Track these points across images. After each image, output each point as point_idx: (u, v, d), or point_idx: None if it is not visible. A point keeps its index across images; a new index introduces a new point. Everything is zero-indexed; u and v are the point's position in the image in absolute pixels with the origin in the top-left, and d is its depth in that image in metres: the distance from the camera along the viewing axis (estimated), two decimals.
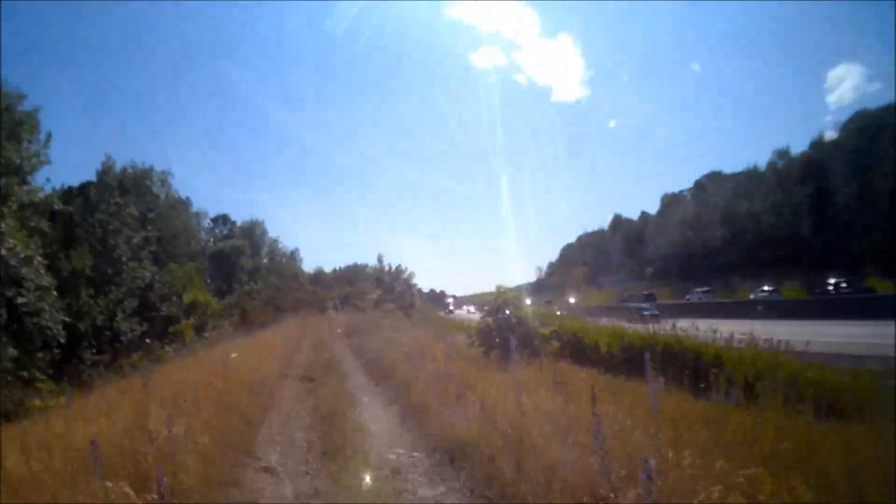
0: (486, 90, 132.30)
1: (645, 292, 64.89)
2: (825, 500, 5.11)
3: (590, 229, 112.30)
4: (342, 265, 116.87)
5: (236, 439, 9.38)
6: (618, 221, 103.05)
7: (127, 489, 5.66)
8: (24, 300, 31.30)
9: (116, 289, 42.06)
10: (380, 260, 62.73)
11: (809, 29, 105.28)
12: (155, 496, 5.21)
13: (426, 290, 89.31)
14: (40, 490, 6.30)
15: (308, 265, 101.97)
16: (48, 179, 40.61)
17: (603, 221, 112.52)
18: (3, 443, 8.57)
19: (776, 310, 40.26)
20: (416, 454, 9.33)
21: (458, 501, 7.34)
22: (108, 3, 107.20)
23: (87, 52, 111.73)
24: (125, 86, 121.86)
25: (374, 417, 12.09)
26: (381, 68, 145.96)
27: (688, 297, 60.70)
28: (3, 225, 31.16)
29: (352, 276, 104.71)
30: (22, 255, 31.26)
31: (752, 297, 53.83)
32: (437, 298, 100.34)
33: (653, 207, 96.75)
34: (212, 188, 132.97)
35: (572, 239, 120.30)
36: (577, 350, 18.74)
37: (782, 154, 71.50)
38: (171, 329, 37.90)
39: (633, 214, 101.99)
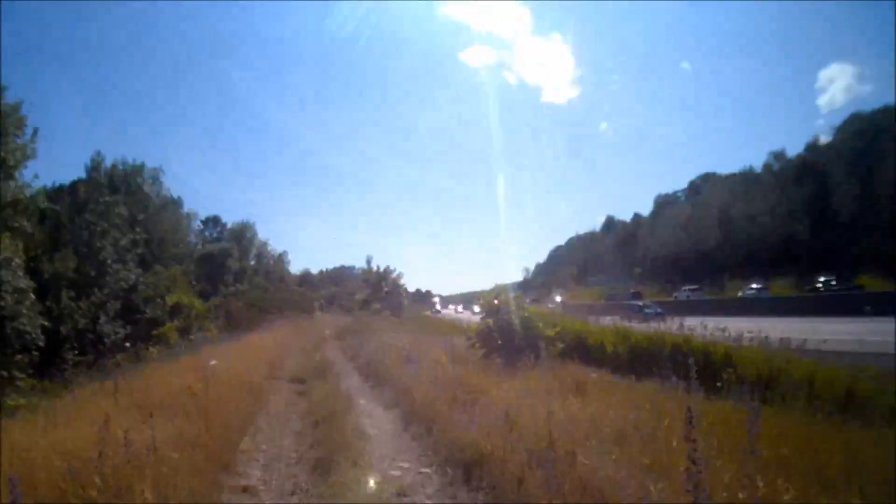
0: (477, 89, 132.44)
1: (631, 290, 65.04)
2: None
3: (581, 232, 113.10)
4: (329, 267, 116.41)
5: (214, 451, 7.91)
6: (610, 223, 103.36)
7: None
8: (2, 303, 29.88)
9: (99, 291, 40.71)
10: (368, 261, 62.03)
11: (800, 30, 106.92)
12: None
13: (412, 289, 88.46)
14: None
15: (296, 267, 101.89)
16: (36, 176, 39.10)
17: (595, 224, 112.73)
18: None
19: (765, 307, 39.91)
20: (424, 469, 7.99)
21: None
22: (106, 2, 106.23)
23: (85, 51, 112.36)
24: (122, 84, 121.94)
25: (374, 423, 10.83)
26: (374, 68, 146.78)
27: (675, 294, 60.49)
28: None
29: (339, 278, 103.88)
30: (0, 257, 29.78)
31: (740, 294, 53.71)
32: (423, 298, 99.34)
33: (646, 209, 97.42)
34: (203, 186, 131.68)
35: (562, 242, 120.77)
36: (581, 351, 17.28)
37: (778, 156, 71.97)
38: (154, 332, 36.38)
39: (626, 216, 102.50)
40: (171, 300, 39.73)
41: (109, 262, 42.11)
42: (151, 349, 31.19)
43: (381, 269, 59.02)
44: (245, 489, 7.47)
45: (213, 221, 78.01)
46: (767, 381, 10.60)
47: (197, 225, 76.05)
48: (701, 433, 5.17)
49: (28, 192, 35.54)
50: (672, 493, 4.91)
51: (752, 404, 5.10)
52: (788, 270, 57.81)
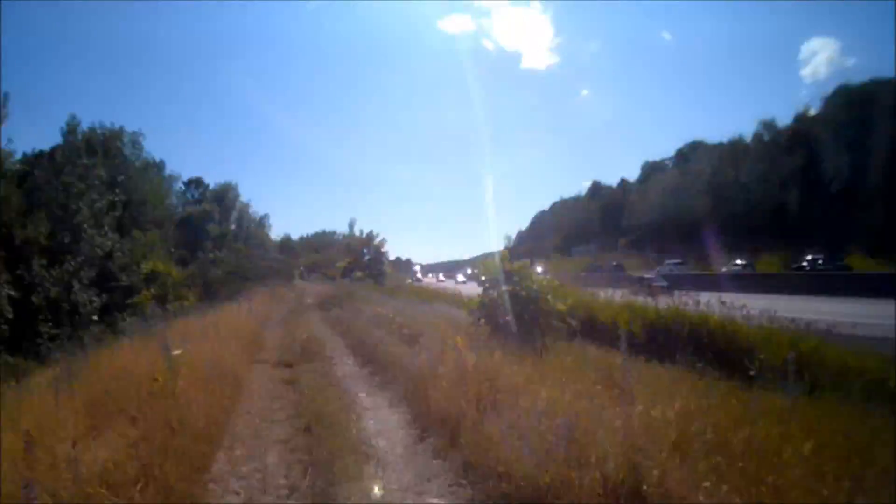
0: (456, 56, 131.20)
1: (614, 262, 64.13)
2: None
3: (566, 196, 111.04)
4: (310, 232, 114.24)
5: (174, 482, 5.81)
6: (596, 188, 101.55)
7: None
8: None
9: (73, 258, 38.48)
10: (351, 226, 60.10)
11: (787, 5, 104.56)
12: None
13: (391, 257, 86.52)
14: None
15: (276, 232, 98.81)
16: (10, 140, 37.33)
17: (580, 189, 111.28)
18: None
19: (752, 283, 38.76)
20: None
21: None
22: None
23: (73, 29, 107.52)
24: (108, 55, 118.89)
25: (381, 429, 8.78)
26: (352, 35, 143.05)
27: (658, 268, 58.93)
28: None
29: (320, 244, 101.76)
30: None
31: (724, 269, 52.43)
32: (403, 266, 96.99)
33: (632, 176, 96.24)
34: (185, 150, 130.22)
35: (546, 207, 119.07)
36: (589, 328, 16.03)
37: (768, 125, 70.56)
38: (128, 301, 34.39)
39: (612, 182, 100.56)
40: (146, 268, 37.56)
41: (85, 226, 39.93)
42: (128, 319, 29.78)
43: (364, 235, 56.81)
44: None
45: (196, 183, 75.20)
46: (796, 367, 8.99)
47: (179, 187, 73.65)
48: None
49: None
50: None
51: None
52: (777, 243, 56.44)
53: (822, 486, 4.47)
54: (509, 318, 13.96)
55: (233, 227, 77.48)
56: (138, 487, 5.37)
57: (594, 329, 15.91)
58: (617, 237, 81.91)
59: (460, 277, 72.49)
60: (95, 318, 36.64)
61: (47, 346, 29.77)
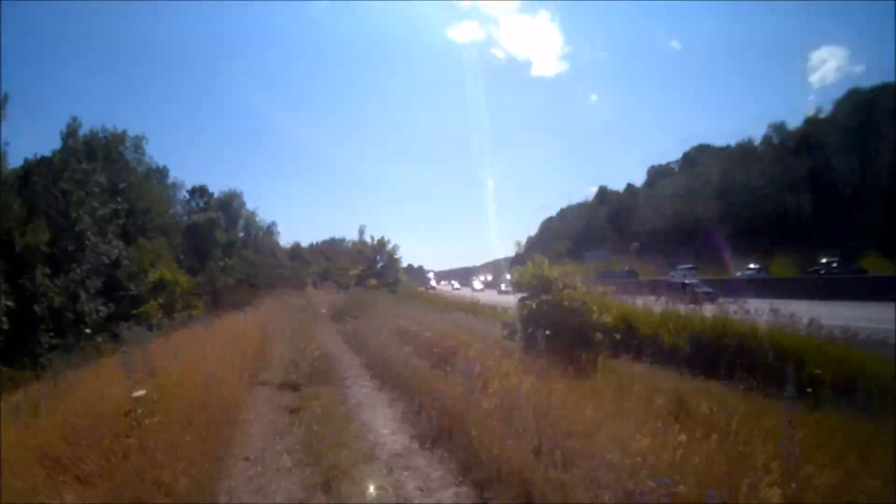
0: (465, 64, 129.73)
1: (626, 268, 62.19)
2: None
3: (574, 202, 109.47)
4: (319, 240, 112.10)
5: None
6: (603, 193, 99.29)
7: None
8: None
9: (79, 266, 36.31)
10: (361, 232, 57.93)
11: (794, 9, 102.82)
12: None
13: (404, 264, 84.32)
14: None
15: (285, 239, 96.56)
16: (6, 143, 35.27)
17: (587, 195, 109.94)
18: None
19: (768, 288, 36.74)
20: None
21: None
22: None
23: (74, 29, 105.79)
24: (111, 60, 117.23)
25: (423, 485, 6.45)
26: (361, 44, 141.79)
27: (672, 274, 56.67)
28: None
29: (330, 251, 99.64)
30: None
31: (738, 274, 50.43)
32: (415, 273, 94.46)
33: (638, 181, 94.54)
34: (189, 157, 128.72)
35: (554, 213, 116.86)
36: (627, 340, 14.05)
37: (778, 128, 68.89)
38: (134, 311, 32.25)
39: (619, 187, 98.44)
40: (153, 277, 35.37)
41: (89, 234, 37.78)
42: (134, 329, 27.65)
43: (376, 241, 54.50)
44: None
45: (200, 191, 72.41)
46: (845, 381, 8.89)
47: (183, 195, 71.27)
48: None
49: None
50: None
51: None
52: (787, 246, 54.76)
53: None
54: (542, 332, 11.68)
55: (241, 234, 75.47)
56: None
57: (632, 341, 14.09)
58: (627, 242, 79.79)
59: (477, 285, 70.33)
60: (103, 327, 34.44)
61: (47, 357, 28.45)
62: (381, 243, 53.85)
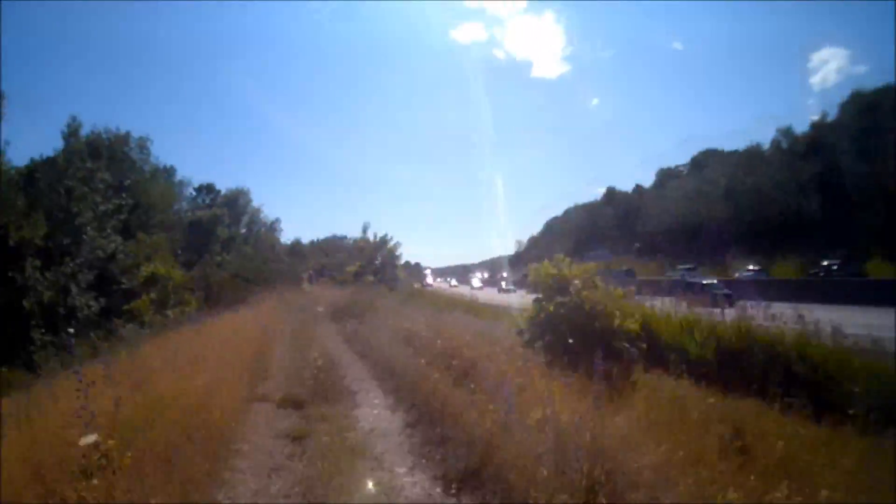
0: (467, 64, 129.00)
1: (624, 268, 60.89)
2: None
3: (577, 202, 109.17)
4: (320, 237, 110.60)
5: None
6: (611, 194, 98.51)
7: None
8: None
9: (72, 260, 34.73)
10: (365, 229, 56.22)
11: (794, 10, 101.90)
12: None
13: (402, 262, 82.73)
14: None
15: (287, 236, 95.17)
16: (7, 143, 33.95)
17: (593, 195, 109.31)
18: None
19: (766, 290, 35.81)
20: None
21: None
22: None
23: (74, 30, 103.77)
24: (117, 63, 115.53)
25: None
26: (364, 43, 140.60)
27: (669, 273, 55.72)
28: None
29: (330, 248, 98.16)
30: None
31: (736, 275, 49.30)
32: (412, 270, 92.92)
33: (640, 182, 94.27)
34: (196, 155, 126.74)
35: (559, 213, 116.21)
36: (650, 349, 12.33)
37: (786, 132, 68.12)
38: (125, 306, 30.75)
39: (621, 188, 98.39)
40: (145, 271, 33.79)
41: (88, 228, 36.27)
42: (127, 326, 26.16)
43: (378, 238, 53.10)
44: None
45: (207, 189, 71.13)
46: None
47: (190, 192, 69.88)
48: None
49: None
50: None
51: None
52: (797, 248, 53.62)
53: None
54: (564, 339, 11.15)
55: (243, 230, 74.13)
56: None
57: (653, 350, 12.47)
58: (631, 243, 78.70)
59: (475, 283, 69.02)
60: (95, 322, 32.89)
61: (40, 355, 26.30)
62: (383, 241, 52.69)
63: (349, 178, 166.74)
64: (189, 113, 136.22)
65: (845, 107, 61.88)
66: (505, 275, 73.77)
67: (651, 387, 9.85)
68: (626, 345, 11.03)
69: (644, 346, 11.68)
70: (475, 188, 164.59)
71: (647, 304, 15.46)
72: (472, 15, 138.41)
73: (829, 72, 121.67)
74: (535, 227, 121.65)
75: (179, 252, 50.50)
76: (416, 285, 57.49)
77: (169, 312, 29.17)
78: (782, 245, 54.77)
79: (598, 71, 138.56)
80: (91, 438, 5.23)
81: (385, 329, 17.06)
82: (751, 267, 50.73)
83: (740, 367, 10.74)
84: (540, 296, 12.49)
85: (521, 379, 8.49)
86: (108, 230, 38.71)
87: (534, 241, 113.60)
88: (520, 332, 12.72)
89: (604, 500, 4.79)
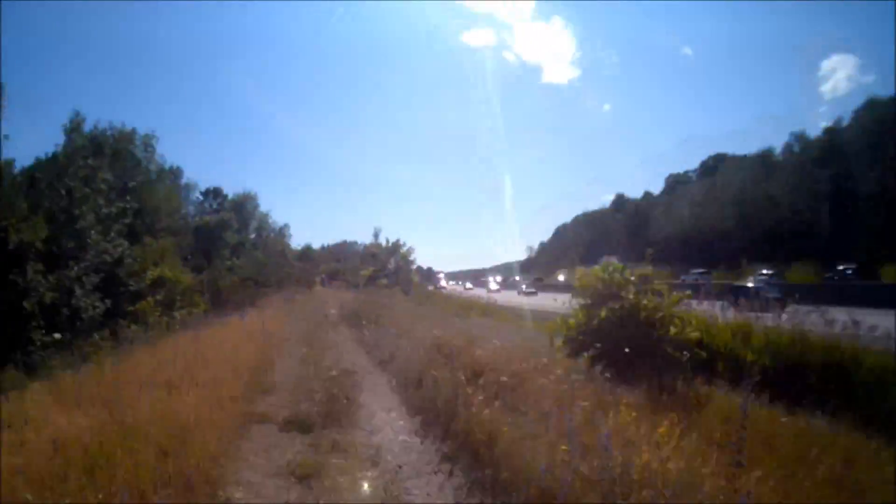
0: (478, 69, 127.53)
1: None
2: None
3: (587, 209, 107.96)
4: (330, 242, 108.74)
5: None
6: (620, 201, 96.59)
7: None
8: None
9: (76, 264, 32.80)
10: (376, 234, 54.82)
11: (805, 19, 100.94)
12: None
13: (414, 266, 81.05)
14: None
15: (297, 242, 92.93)
16: (6, 136, 32.02)
17: (603, 202, 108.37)
18: None
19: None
20: None
21: None
22: None
23: (75, 29, 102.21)
24: (124, 61, 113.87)
25: None
26: (377, 47, 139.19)
27: (683, 277, 54.10)
28: None
29: (341, 253, 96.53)
30: None
31: (750, 280, 47.23)
32: (425, 275, 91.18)
33: (653, 189, 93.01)
34: (204, 159, 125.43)
35: (568, 220, 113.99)
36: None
37: (799, 138, 66.63)
38: (129, 308, 28.97)
39: (629, 194, 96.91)
40: (152, 274, 32.04)
41: (92, 232, 34.31)
42: (133, 327, 24.75)
43: (391, 243, 51.56)
44: None
45: (214, 193, 68.19)
46: None
47: (197, 197, 67.20)
48: None
49: None
50: None
51: None
52: (809, 254, 51.67)
53: None
54: (620, 350, 9.92)
55: (252, 235, 71.82)
56: None
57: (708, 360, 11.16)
58: (642, 249, 76.85)
59: (492, 285, 66.70)
60: (100, 323, 31.05)
61: (40, 355, 25.09)
62: (396, 245, 51.37)
63: (358, 184, 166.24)
64: (196, 117, 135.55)
65: (860, 114, 60.30)
66: (518, 278, 72.38)
67: (719, 404, 8.20)
68: (686, 354, 9.68)
69: (705, 355, 10.45)
70: (484, 193, 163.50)
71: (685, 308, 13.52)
72: (482, 19, 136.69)
73: (840, 80, 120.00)
74: (544, 233, 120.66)
75: (189, 257, 48.82)
76: (430, 288, 55.64)
77: (176, 314, 28.20)
78: (795, 250, 53.05)
79: (607, 76, 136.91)
80: None
81: (406, 335, 14.77)
82: (765, 271, 48.84)
83: (794, 378, 9.70)
84: (587, 301, 11.05)
85: (585, 402, 6.70)
86: (113, 234, 36.78)
87: (544, 247, 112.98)
88: (565, 342, 11.11)
89: None
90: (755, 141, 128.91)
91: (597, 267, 11.43)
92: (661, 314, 10.21)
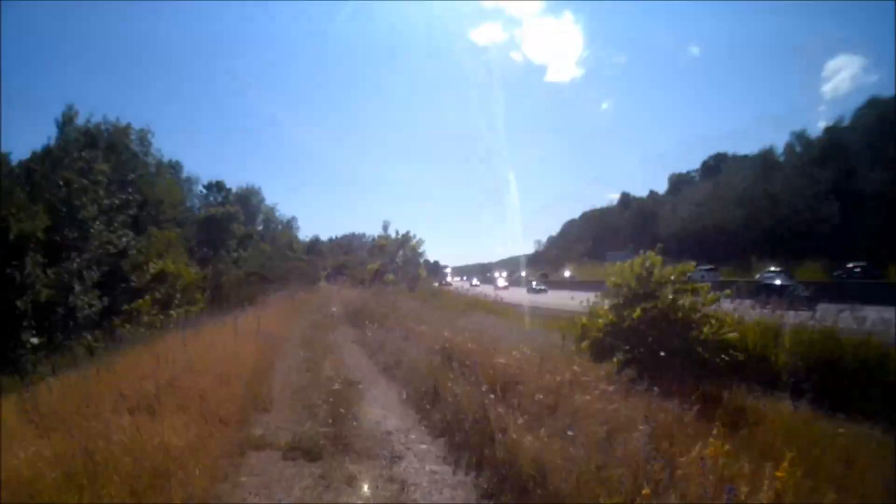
0: (485, 66, 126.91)
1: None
2: None
3: (593, 206, 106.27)
4: (339, 234, 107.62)
5: None
6: (626, 199, 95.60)
7: None
8: None
9: (78, 256, 31.52)
10: (385, 227, 53.50)
11: (808, 20, 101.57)
12: None
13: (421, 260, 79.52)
14: None
15: (304, 234, 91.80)
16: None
17: (609, 200, 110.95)
18: None
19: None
20: None
21: None
22: None
23: (75, 30, 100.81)
24: (121, 56, 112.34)
25: None
26: (382, 44, 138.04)
27: (689, 275, 52.20)
28: None
29: (349, 246, 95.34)
30: None
31: (757, 277, 45.95)
32: (431, 269, 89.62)
33: (656, 188, 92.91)
34: (207, 152, 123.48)
35: (576, 216, 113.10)
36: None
37: (800, 137, 65.28)
38: (124, 307, 27.84)
39: (637, 194, 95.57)
40: (154, 268, 30.97)
41: (96, 223, 33.22)
42: (127, 326, 24.64)
43: (400, 236, 50.04)
44: None
45: (217, 187, 66.91)
46: None
47: (200, 190, 66.20)
48: None
49: None
50: None
51: None
52: (814, 253, 50.15)
53: None
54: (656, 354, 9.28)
55: (260, 227, 71.00)
56: None
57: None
58: (648, 245, 76.13)
59: (500, 282, 65.03)
60: (96, 322, 29.83)
61: (29, 358, 24.83)
62: (406, 238, 49.83)
63: (363, 182, 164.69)
64: (202, 115, 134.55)
65: (861, 112, 59.24)
66: (524, 273, 70.88)
67: (759, 412, 7.76)
68: (724, 357, 9.19)
69: (741, 357, 9.64)
70: (490, 187, 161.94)
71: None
72: (491, 15, 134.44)
73: (842, 80, 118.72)
74: (550, 228, 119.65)
75: (195, 249, 48.16)
76: (435, 284, 53.99)
77: (172, 313, 26.67)
78: (797, 249, 51.80)
79: (610, 75, 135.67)
80: None
81: (415, 338, 13.38)
82: (773, 268, 47.06)
83: (825, 380, 9.03)
84: (618, 300, 10.38)
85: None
86: (115, 225, 35.57)
87: (552, 242, 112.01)
88: (590, 344, 10.43)
89: None
90: (755, 140, 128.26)
91: (630, 262, 10.77)
92: (699, 314, 9.59)
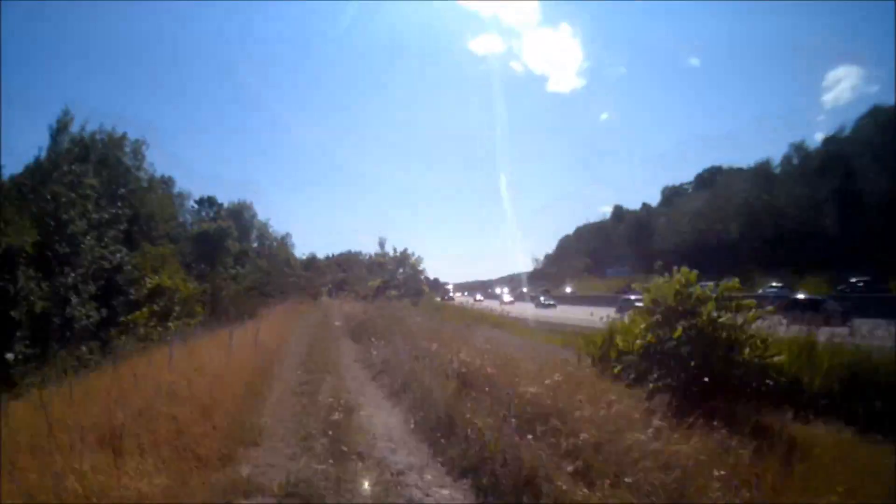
0: (484, 77, 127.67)
1: (632, 285, 56.56)
2: None
3: (591, 220, 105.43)
4: (335, 252, 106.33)
5: None
6: (619, 212, 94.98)
7: None
8: None
9: (72, 270, 30.52)
10: (381, 244, 52.68)
11: (810, 29, 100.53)
12: None
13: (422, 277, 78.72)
14: None
15: (300, 251, 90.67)
16: None
17: (602, 213, 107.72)
18: None
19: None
20: None
21: None
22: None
23: (75, 30, 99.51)
24: (122, 58, 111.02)
25: None
26: (382, 53, 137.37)
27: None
28: None
29: (346, 263, 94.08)
30: None
31: (760, 291, 44.93)
32: (433, 285, 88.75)
33: (650, 199, 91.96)
34: (199, 166, 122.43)
35: (570, 231, 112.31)
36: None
37: (798, 148, 64.76)
38: (121, 319, 26.98)
39: (632, 206, 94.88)
40: (151, 283, 30.30)
41: (86, 238, 32.25)
42: (122, 338, 24.57)
43: (398, 253, 49.28)
44: None
45: (209, 202, 66.30)
46: None
47: (191, 205, 65.21)
48: None
49: None
50: None
51: None
52: (815, 265, 49.85)
53: None
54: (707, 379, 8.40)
55: (254, 244, 70.26)
56: None
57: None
58: (647, 259, 75.46)
59: (506, 297, 64.29)
60: (93, 334, 29.02)
61: (19, 370, 24.17)
62: (405, 255, 49.14)
63: (361, 196, 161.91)
64: (199, 123, 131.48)
65: (863, 121, 58.71)
66: (525, 290, 70.12)
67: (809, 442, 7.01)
68: (769, 383, 8.48)
69: (784, 381, 9.02)
70: (488, 204, 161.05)
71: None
72: (490, 25, 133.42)
73: (843, 90, 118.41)
74: (548, 244, 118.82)
75: (192, 265, 47.23)
76: (437, 299, 53.96)
77: (170, 325, 25.94)
78: (800, 261, 51.35)
79: (611, 86, 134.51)
80: None
81: (424, 357, 11.74)
82: (774, 283, 46.81)
83: (870, 399, 8.68)
84: (655, 318, 9.47)
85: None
86: (106, 240, 34.56)
87: (550, 259, 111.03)
88: (623, 367, 9.84)
89: None
90: (754, 151, 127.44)
91: (666, 279, 9.80)
92: (744, 335, 8.67)
